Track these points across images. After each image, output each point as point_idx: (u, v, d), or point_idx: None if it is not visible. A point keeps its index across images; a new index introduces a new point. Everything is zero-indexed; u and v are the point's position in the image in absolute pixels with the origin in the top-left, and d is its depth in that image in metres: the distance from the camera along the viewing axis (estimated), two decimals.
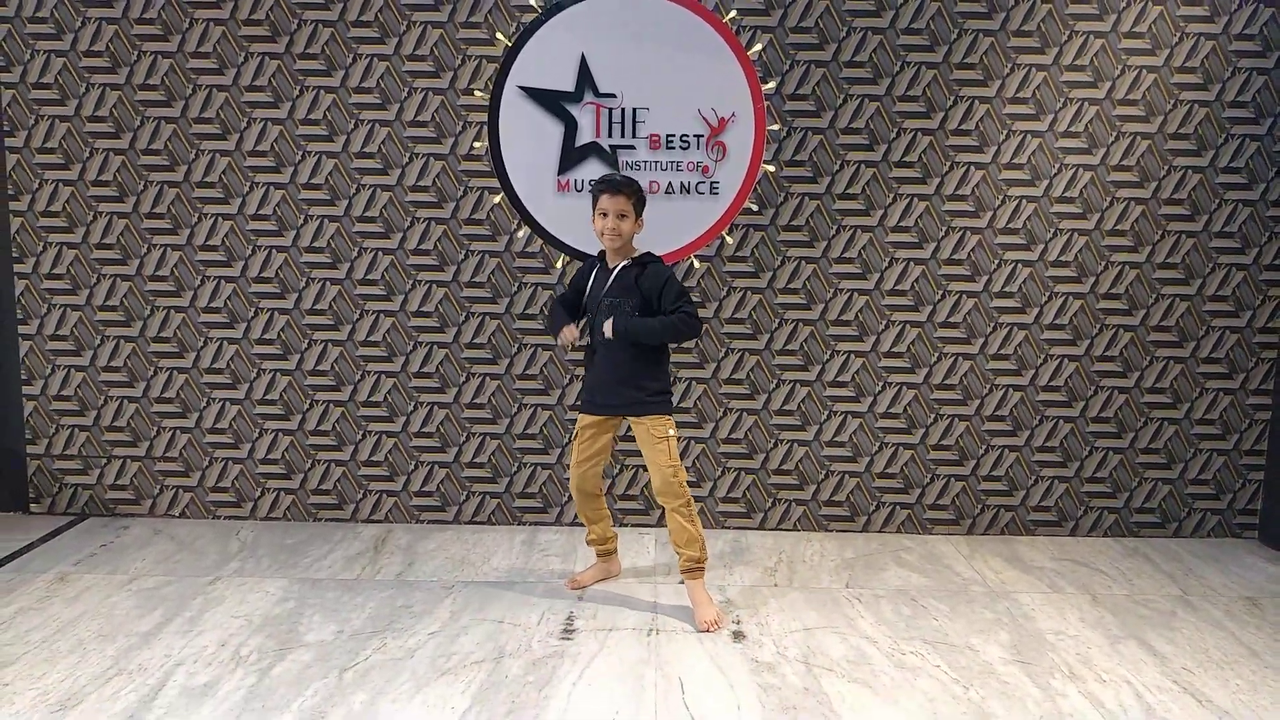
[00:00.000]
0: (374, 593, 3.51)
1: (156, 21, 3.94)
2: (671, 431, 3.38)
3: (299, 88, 4.01)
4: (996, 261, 4.09)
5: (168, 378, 4.17)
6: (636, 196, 3.36)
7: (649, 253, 3.39)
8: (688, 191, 4.00)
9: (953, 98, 4.00)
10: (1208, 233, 4.07)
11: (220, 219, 4.07)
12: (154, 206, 4.05)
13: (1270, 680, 2.98)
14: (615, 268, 3.39)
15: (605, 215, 3.32)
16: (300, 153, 4.04)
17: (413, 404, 4.19)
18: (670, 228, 3.95)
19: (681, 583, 3.51)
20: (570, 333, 3.41)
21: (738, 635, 3.22)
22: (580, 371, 4.13)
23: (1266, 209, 4.05)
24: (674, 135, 3.97)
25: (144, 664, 2.95)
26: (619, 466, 4.21)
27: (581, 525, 4.19)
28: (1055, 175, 4.04)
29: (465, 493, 4.24)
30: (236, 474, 4.23)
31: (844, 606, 3.47)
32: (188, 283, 4.11)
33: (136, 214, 4.05)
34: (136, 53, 3.96)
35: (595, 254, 3.49)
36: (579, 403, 3.57)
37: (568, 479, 4.17)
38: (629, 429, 3.48)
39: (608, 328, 3.32)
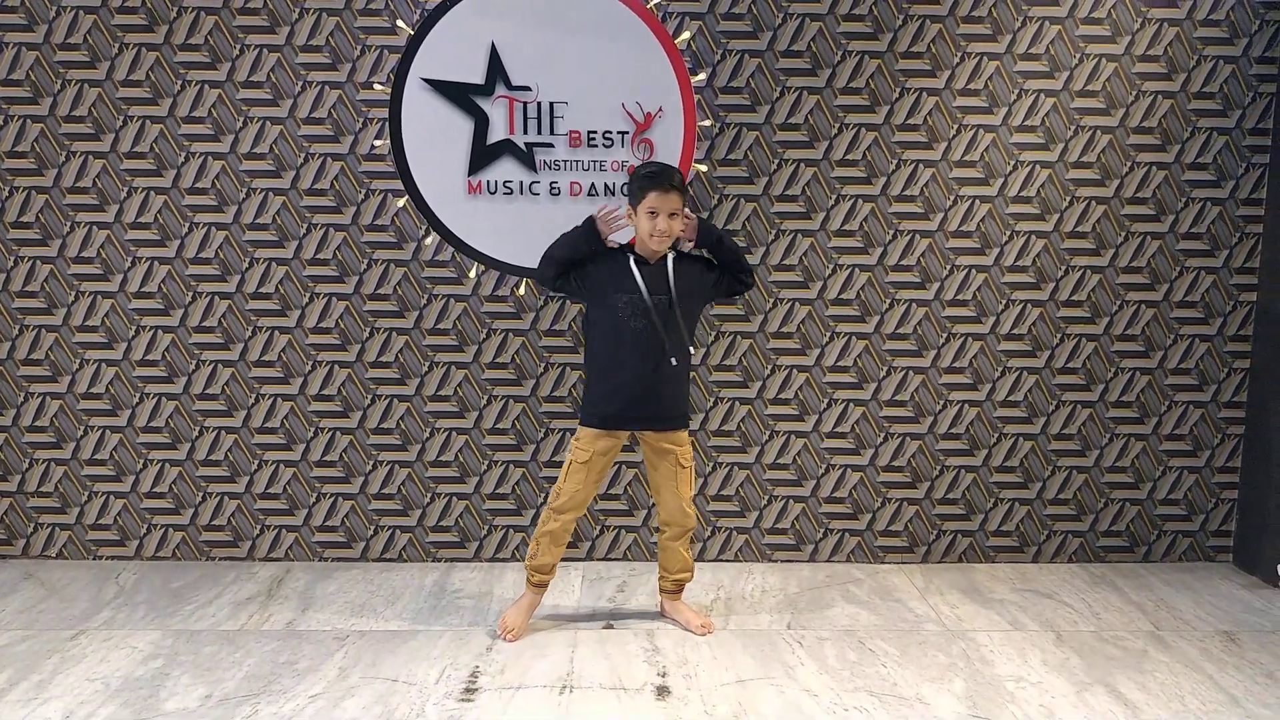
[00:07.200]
0: (256, 646, 3.11)
1: (20, 10, 3.54)
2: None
3: (180, 82, 3.61)
4: (948, 267, 3.77)
5: (40, 404, 3.75)
6: (686, 193, 3.11)
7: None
8: (612, 193, 3.64)
9: (898, 90, 3.67)
10: (1174, 234, 3.77)
11: (95, 228, 3.66)
12: (20, 215, 3.64)
13: None
14: (666, 260, 3.09)
15: (655, 214, 3.00)
16: (183, 154, 3.64)
17: (312, 430, 3.79)
18: None
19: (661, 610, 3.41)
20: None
21: (662, 691, 2.86)
22: (505, 382, 3.76)
23: (1236, 208, 3.76)
24: (596, 132, 3.61)
25: None
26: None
27: (503, 561, 3.84)
28: (1010, 173, 3.72)
29: (373, 527, 3.85)
30: (119, 509, 3.82)
31: (783, 651, 3.12)
32: (60, 299, 3.70)
33: (0, 223, 3.65)
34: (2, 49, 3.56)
35: (617, 247, 3.15)
36: (592, 417, 3.12)
37: (483, 509, 3.82)
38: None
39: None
